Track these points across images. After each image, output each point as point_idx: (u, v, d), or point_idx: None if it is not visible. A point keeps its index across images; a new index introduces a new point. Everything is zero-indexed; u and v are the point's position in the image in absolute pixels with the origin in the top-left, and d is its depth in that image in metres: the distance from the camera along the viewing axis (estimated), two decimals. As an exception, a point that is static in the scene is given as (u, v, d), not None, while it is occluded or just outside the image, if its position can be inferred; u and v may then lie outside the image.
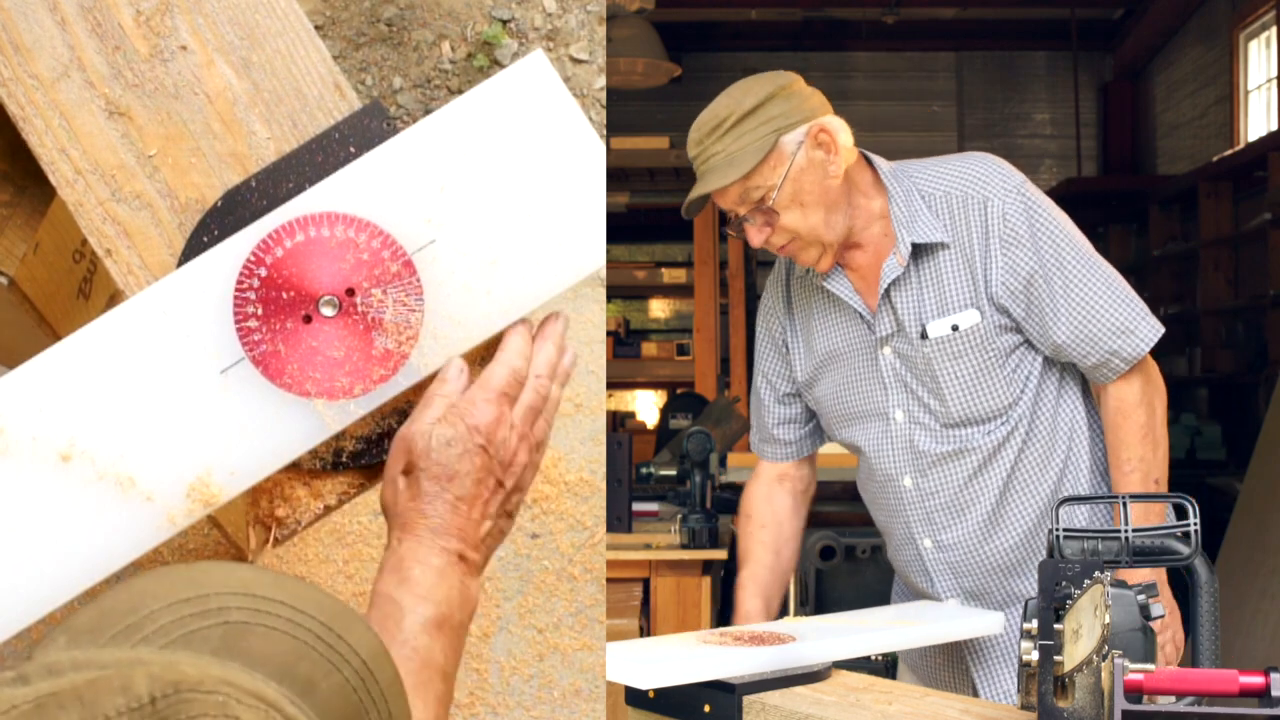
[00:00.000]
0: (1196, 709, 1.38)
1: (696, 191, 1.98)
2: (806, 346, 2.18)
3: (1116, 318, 1.97)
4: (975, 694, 2.11)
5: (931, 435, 2.05)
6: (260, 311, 1.10)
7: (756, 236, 1.99)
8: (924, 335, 2.00)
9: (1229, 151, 7.28)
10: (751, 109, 1.94)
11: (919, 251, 2.00)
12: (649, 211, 7.39)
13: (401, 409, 1.15)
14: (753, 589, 2.24)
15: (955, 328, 1.98)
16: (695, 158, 1.99)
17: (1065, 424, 2.06)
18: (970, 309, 1.98)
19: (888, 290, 2.02)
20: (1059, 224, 1.99)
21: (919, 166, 2.07)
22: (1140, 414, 2.00)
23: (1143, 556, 1.62)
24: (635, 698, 1.74)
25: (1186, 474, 5.96)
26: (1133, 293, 2.01)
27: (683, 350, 7.11)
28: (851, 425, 2.15)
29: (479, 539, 1.07)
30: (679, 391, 6.75)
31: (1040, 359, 2.03)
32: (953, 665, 2.19)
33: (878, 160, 2.05)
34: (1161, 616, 1.53)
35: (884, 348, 2.06)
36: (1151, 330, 1.98)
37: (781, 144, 1.94)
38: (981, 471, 2.04)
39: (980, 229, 1.97)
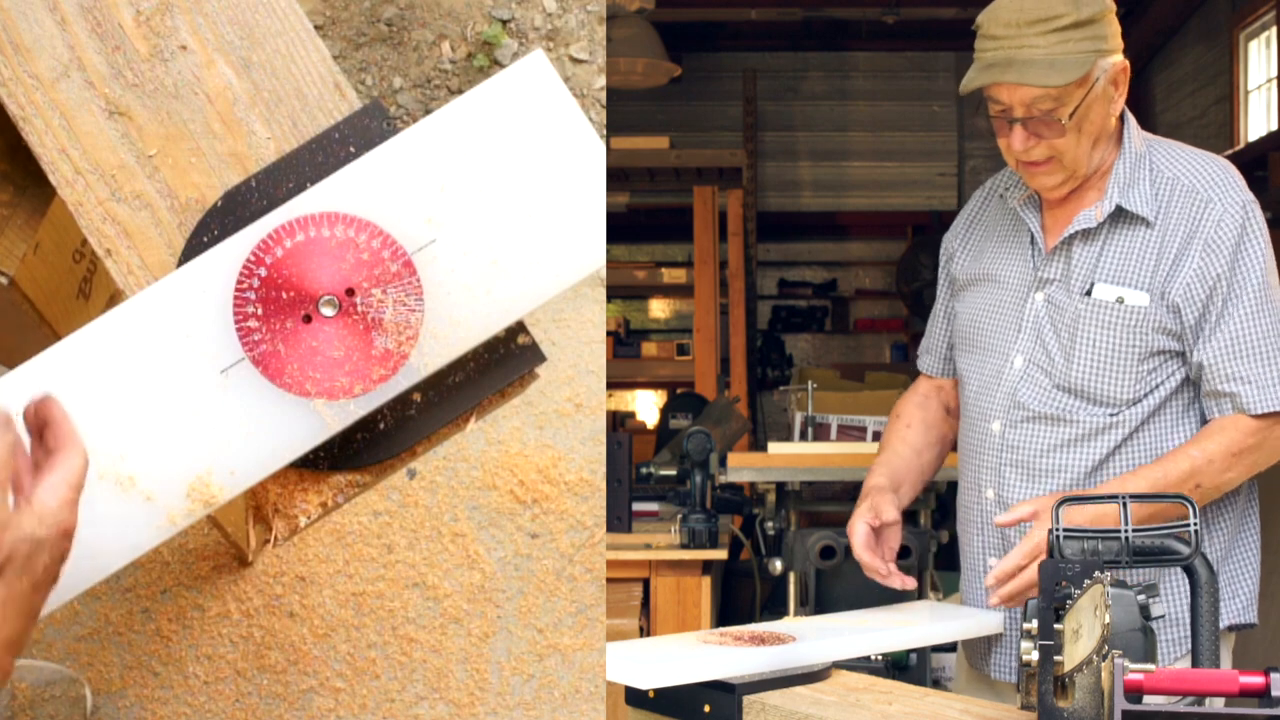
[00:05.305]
0: (1196, 709, 1.38)
1: (1005, 78, 1.93)
2: (971, 260, 2.19)
3: (1256, 364, 1.92)
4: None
5: (1039, 391, 2.03)
6: (260, 311, 1.10)
7: (1021, 142, 1.97)
8: (1088, 293, 1.99)
9: (1229, 151, 7.27)
10: (1087, 20, 1.92)
11: (1119, 216, 1.99)
12: (649, 211, 7.39)
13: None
14: (882, 470, 2.21)
15: (1121, 300, 1.96)
16: (999, 38, 1.94)
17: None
18: (1143, 291, 1.96)
19: (1071, 238, 2.02)
20: (1263, 255, 1.97)
21: (1162, 143, 2.06)
22: (1245, 440, 1.92)
23: (1143, 556, 1.62)
24: (635, 698, 1.74)
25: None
26: None
27: (683, 350, 7.10)
28: (971, 354, 2.14)
29: None
30: (679, 391, 6.74)
31: (1177, 383, 1.99)
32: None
33: (1130, 118, 2.04)
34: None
35: (1038, 291, 2.05)
36: (1277, 400, 1.93)
37: (1095, 67, 1.94)
38: (1070, 448, 2.01)
39: (1189, 225, 1.95)
